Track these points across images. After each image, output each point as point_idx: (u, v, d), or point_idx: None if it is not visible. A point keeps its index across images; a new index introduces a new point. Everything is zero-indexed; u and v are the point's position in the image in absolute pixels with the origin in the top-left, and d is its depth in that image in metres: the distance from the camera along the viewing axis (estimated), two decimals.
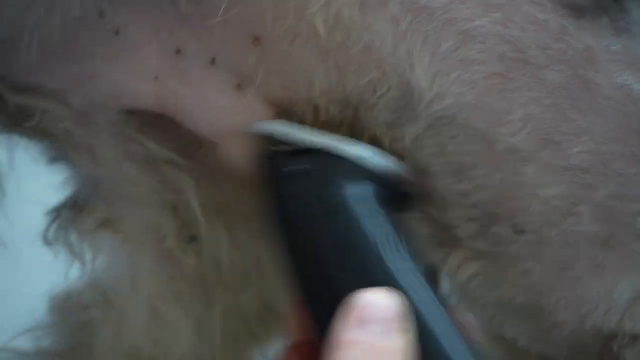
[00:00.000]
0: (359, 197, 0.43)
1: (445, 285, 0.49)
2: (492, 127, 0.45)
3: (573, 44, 0.44)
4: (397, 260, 0.41)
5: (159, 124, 0.51)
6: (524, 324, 0.50)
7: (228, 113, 0.48)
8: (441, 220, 0.48)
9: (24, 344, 0.60)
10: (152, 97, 0.48)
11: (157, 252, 0.57)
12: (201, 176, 0.54)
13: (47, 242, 0.57)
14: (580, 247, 0.46)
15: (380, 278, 0.41)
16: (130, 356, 0.60)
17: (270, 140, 0.47)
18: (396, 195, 0.46)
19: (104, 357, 0.59)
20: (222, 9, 0.44)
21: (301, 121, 0.48)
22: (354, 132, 0.49)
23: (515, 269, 0.47)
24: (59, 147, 0.53)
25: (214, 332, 0.60)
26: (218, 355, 0.61)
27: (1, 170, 0.51)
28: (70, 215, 0.57)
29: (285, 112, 0.48)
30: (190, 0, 0.45)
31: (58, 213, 0.57)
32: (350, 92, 0.46)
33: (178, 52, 0.47)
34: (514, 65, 0.44)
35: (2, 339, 0.60)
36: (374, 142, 0.48)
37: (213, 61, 0.47)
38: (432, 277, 0.44)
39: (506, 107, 0.44)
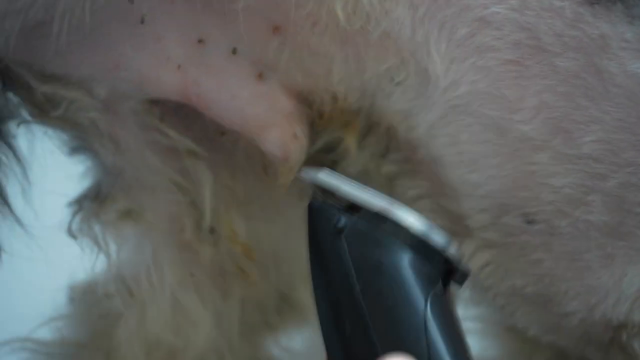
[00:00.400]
0: (411, 265, 0.41)
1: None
2: (505, 115, 0.45)
3: (588, 31, 0.44)
4: (438, 338, 0.40)
5: (181, 114, 0.51)
6: (535, 313, 0.50)
7: (249, 101, 0.48)
8: (453, 210, 0.49)
9: (46, 334, 0.60)
10: (175, 86, 0.48)
11: (177, 243, 0.57)
12: (220, 168, 0.55)
13: (71, 232, 0.58)
14: (590, 236, 0.46)
15: (418, 350, 0.40)
16: (150, 346, 0.60)
17: (320, 189, 0.45)
18: (444, 270, 0.44)
19: (124, 346, 0.59)
20: None
21: (321, 115, 0.49)
22: (371, 121, 0.50)
23: (525, 259, 0.47)
24: (83, 137, 0.53)
25: (232, 322, 0.60)
26: (235, 345, 0.61)
27: (25, 160, 0.52)
28: (93, 206, 0.56)
29: (304, 101, 0.49)
30: None
31: (80, 204, 0.57)
32: (368, 79, 0.47)
33: (200, 41, 0.47)
34: (529, 52, 0.44)
35: (25, 329, 0.61)
36: (390, 132, 0.49)
37: (234, 50, 0.48)
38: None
39: (520, 94, 0.45)
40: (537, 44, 0.44)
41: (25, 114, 0.50)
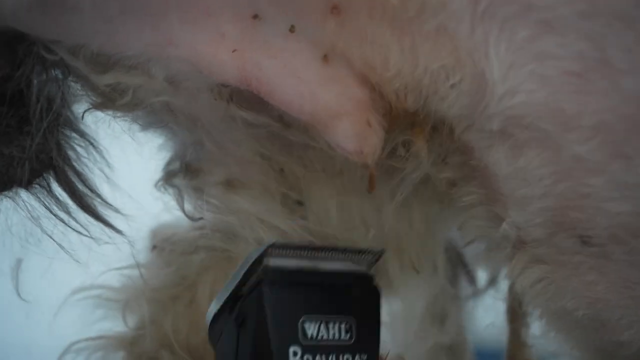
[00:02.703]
0: None
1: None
2: (561, 132, 0.40)
3: None
4: None
5: (252, 97, 0.47)
6: (588, 339, 0.46)
7: (317, 86, 0.45)
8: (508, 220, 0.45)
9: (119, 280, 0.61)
10: (232, 67, 0.45)
11: (268, 210, 0.57)
12: (307, 135, 0.50)
13: (186, 211, 0.57)
14: None
15: None
16: None
17: None
18: None
19: (206, 298, 0.61)
20: None
21: (388, 110, 0.46)
22: (435, 123, 0.46)
23: (578, 279, 0.44)
24: (156, 117, 0.52)
25: None
26: None
27: (102, 145, 0.51)
28: (186, 182, 0.56)
29: (374, 92, 0.45)
30: None
31: (170, 181, 0.56)
32: (422, 76, 0.43)
33: (255, 17, 0.44)
34: (593, 65, 0.39)
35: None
36: (451, 135, 0.46)
37: (292, 28, 0.44)
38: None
39: (578, 110, 0.40)
40: (602, 57, 0.38)
41: (89, 102, 0.49)
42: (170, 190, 0.57)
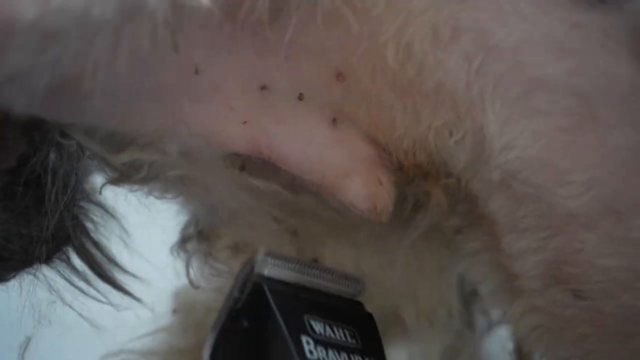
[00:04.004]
0: None
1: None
2: (554, 187, 0.41)
3: None
4: None
5: (263, 163, 0.48)
6: None
7: (327, 148, 0.45)
8: (507, 268, 0.45)
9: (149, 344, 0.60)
10: (243, 138, 0.45)
11: None
12: (319, 199, 0.51)
13: (190, 277, 0.58)
14: (637, 321, 0.41)
15: None
16: None
17: None
18: None
19: None
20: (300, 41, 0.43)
21: (400, 167, 0.47)
22: (439, 178, 0.47)
23: (572, 331, 0.44)
24: (171, 187, 0.52)
25: None
26: None
27: (119, 214, 0.53)
28: (199, 247, 0.57)
29: (383, 150, 0.46)
30: (274, 31, 0.43)
31: (184, 247, 0.57)
32: (428, 134, 0.44)
33: (263, 88, 0.45)
34: (581, 121, 0.40)
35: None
36: (458, 185, 0.46)
37: (301, 96, 0.45)
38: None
39: (569, 166, 0.40)
40: (590, 113, 0.39)
41: (106, 177, 0.50)
42: (182, 254, 0.58)
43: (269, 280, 0.43)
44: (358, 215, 0.47)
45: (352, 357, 0.43)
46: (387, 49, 0.42)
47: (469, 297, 0.59)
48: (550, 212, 0.42)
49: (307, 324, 0.42)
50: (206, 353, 0.43)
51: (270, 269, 0.44)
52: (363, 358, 0.43)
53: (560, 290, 0.43)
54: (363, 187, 0.45)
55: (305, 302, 0.43)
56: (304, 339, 0.41)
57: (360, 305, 0.47)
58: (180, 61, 0.42)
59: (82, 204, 0.52)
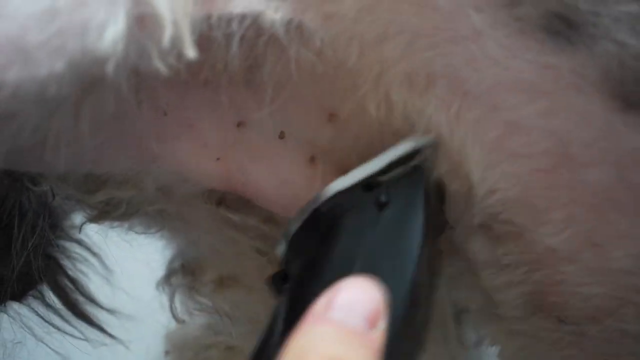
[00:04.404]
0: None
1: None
2: (534, 226, 0.42)
3: (618, 143, 0.39)
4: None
5: (240, 199, 0.48)
6: None
7: (302, 187, 0.45)
8: (489, 294, 0.46)
9: None
10: (217, 174, 0.45)
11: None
12: None
13: (174, 311, 0.58)
14: (624, 343, 0.42)
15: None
16: None
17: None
18: None
19: None
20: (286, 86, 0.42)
21: None
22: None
23: (557, 353, 0.45)
24: (152, 222, 0.52)
25: None
26: None
27: (100, 252, 0.54)
28: (184, 281, 0.56)
29: None
30: (253, 88, 0.43)
31: (169, 282, 0.57)
32: None
33: (240, 124, 0.44)
34: (558, 161, 0.40)
35: None
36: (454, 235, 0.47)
37: (281, 134, 0.44)
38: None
39: (548, 205, 0.41)
40: (566, 153, 0.40)
41: (84, 215, 0.50)
42: (167, 289, 0.58)
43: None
44: None
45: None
46: (368, 101, 0.42)
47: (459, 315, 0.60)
48: (530, 248, 0.42)
49: None
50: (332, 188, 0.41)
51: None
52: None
53: (544, 317, 0.44)
54: None
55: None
56: None
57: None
58: (146, 110, 0.42)
59: (61, 242, 0.52)
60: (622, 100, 0.39)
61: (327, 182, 0.44)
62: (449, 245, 0.47)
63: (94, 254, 0.54)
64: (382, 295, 0.35)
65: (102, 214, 0.50)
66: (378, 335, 0.34)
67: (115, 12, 0.34)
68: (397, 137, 0.43)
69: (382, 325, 0.35)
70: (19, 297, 0.51)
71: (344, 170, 0.44)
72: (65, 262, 0.53)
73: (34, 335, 0.53)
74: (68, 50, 0.33)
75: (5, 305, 0.52)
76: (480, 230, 0.44)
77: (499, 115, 0.41)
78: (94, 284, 0.54)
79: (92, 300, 0.53)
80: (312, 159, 0.45)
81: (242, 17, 0.38)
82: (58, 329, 0.53)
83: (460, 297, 0.51)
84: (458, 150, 0.42)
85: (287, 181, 0.45)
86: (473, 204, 0.43)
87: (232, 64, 0.40)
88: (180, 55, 0.36)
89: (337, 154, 0.45)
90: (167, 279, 0.58)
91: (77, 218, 0.52)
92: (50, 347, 0.53)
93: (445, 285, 0.50)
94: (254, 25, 0.38)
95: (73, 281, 0.53)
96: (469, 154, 0.42)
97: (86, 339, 0.53)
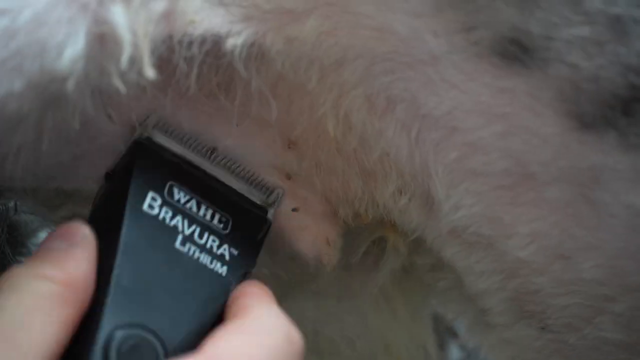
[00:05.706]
0: None
1: None
2: (501, 238, 0.43)
3: (575, 162, 0.39)
4: None
5: None
6: None
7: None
8: (478, 305, 0.48)
9: None
10: None
11: None
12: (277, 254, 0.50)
13: None
14: (604, 350, 0.43)
15: None
16: None
17: None
18: None
19: None
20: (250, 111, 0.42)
21: (355, 217, 0.48)
22: (396, 232, 0.49)
23: None
24: None
25: None
26: None
27: None
28: None
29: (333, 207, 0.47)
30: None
31: None
32: (380, 197, 0.45)
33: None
34: (518, 179, 0.41)
35: None
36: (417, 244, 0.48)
37: (251, 156, 0.45)
38: None
39: (513, 220, 0.42)
40: (525, 172, 0.40)
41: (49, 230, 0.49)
42: None
43: (150, 142, 0.42)
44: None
45: (207, 235, 0.41)
46: (327, 121, 0.43)
47: (443, 335, 0.60)
48: (501, 258, 0.43)
49: (166, 186, 0.41)
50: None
51: (159, 136, 0.42)
52: (222, 244, 0.41)
53: (527, 325, 0.45)
54: (312, 242, 0.47)
55: (184, 174, 0.42)
56: (150, 194, 0.40)
57: (261, 208, 0.45)
58: (118, 125, 0.42)
59: (21, 258, 0.51)
60: (577, 120, 0.39)
61: (302, 199, 0.47)
62: (437, 259, 0.48)
63: None
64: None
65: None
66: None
67: (75, 31, 0.34)
68: (353, 158, 0.44)
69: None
70: None
71: (318, 192, 0.47)
72: None
73: None
74: (26, 70, 0.34)
75: None
76: (450, 237, 0.45)
77: (457, 137, 0.41)
78: None
79: None
80: (288, 175, 0.46)
81: (203, 39, 0.38)
82: None
83: (451, 312, 0.53)
84: (417, 170, 0.43)
85: None
86: (437, 216, 0.44)
87: (193, 87, 0.40)
88: (141, 74, 0.36)
89: (307, 176, 0.46)
90: None
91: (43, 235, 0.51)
92: None
93: (436, 299, 0.50)
94: (215, 48, 0.38)
95: None
96: (431, 174, 0.43)
97: None
